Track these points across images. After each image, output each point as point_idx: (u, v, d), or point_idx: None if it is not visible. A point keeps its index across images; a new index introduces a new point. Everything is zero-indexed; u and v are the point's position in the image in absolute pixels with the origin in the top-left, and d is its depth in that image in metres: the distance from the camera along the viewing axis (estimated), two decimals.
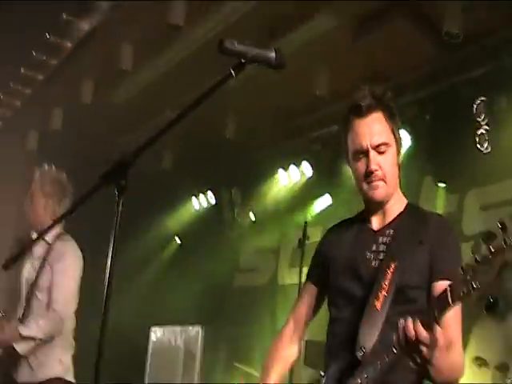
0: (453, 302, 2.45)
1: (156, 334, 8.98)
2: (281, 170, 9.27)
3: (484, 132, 6.77)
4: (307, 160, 8.85)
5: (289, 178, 9.24)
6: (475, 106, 6.81)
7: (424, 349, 2.52)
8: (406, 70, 7.54)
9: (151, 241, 10.81)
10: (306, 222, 6.66)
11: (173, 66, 8.16)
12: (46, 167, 5.25)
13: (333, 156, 7.92)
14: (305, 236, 6.60)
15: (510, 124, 6.60)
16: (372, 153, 3.01)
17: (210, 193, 10.52)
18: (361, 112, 3.04)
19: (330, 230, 3.37)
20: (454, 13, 6.38)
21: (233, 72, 2.60)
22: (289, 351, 3.33)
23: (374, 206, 3.12)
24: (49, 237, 5.12)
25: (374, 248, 3.05)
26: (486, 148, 6.74)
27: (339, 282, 3.12)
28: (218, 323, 9.25)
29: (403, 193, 3.18)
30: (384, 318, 2.85)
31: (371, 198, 3.07)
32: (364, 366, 2.79)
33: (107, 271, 2.46)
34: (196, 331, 8.30)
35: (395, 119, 3.09)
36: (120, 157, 2.56)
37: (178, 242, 11.15)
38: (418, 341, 2.51)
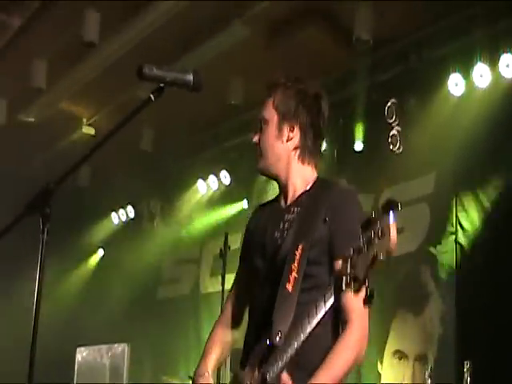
0: (336, 293, 2.61)
1: (82, 353, 8.86)
2: (200, 180, 9.30)
3: (396, 133, 6.95)
4: (225, 169, 8.92)
5: (208, 188, 9.26)
6: (386, 108, 6.99)
7: None
8: (318, 75, 7.67)
9: (70, 260, 10.63)
10: (226, 233, 6.73)
11: (88, 81, 8.13)
12: None
13: (250, 163, 8.00)
14: (226, 246, 6.66)
15: (420, 124, 6.80)
16: (258, 128, 3.23)
17: (129, 207, 10.43)
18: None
19: (255, 210, 3.48)
20: (364, 19, 6.55)
21: (152, 96, 2.68)
22: (227, 336, 3.36)
23: (278, 183, 3.25)
24: None
25: (280, 226, 3.14)
26: (398, 148, 6.92)
27: (252, 262, 3.23)
28: (143, 337, 9.20)
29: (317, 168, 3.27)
30: (296, 300, 2.91)
31: (256, 169, 3.28)
32: (281, 351, 2.84)
33: (35, 298, 2.49)
34: (122, 349, 8.24)
35: (285, 100, 3.19)
36: (44, 185, 2.60)
37: (98, 259, 11.01)
38: None
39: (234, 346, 3.38)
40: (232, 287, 3.46)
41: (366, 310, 2.93)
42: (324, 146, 7.58)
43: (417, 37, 6.83)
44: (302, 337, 2.79)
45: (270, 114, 3.20)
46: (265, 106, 3.24)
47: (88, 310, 9.93)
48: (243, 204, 8.76)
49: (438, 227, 6.61)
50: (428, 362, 6.25)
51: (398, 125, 6.92)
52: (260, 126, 3.22)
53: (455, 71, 6.49)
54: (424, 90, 6.77)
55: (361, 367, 6.87)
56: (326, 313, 2.78)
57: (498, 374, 5.45)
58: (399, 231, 6.33)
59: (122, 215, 10.53)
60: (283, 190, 3.24)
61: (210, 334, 3.40)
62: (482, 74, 6.34)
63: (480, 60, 6.32)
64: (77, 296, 9.91)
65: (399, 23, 6.68)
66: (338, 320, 2.99)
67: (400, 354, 6.63)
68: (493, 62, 6.28)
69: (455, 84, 6.51)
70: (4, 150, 9.05)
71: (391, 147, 6.94)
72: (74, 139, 9.03)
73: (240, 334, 3.37)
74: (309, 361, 2.90)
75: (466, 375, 4.58)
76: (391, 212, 2.28)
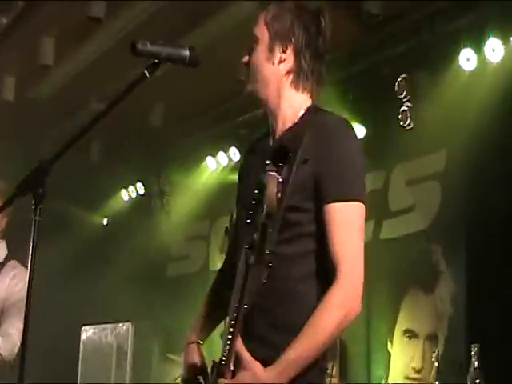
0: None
1: (87, 332, 8.81)
2: (209, 157, 9.24)
3: (406, 109, 6.85)
4: (235, 145, 8.84)
5: (217, 164, 9.21)
6: (397, 83, 6.88)
7: None
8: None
9: (79, 236, 10.59)
10: (231, 212, 6.67)
11: (95, 58, 8.07)
12: None
13: None
14: (231, 223, 6.60)
15: (431, 99, 6.68)
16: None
17: (139, 184, 10.35)
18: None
19: (248, 148, 3.10)
20: None
21: (147, 72, 2.61)
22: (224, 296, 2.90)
23: (268, 113, 2.86)
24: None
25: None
26: (409, 124, 6.83)
27: (238, 213, 2.93)
28: (153, 314, 9.18)
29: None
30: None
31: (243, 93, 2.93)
32: (256, 312, 2.51)
33: (27, 283, 2.43)
34: (126, 328, 8.20)
35: (278, 15, 2.80)
36: (37, 164, 2.54)
37: (108, 234, 10.97)
38: None
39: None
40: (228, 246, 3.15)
41: (361, 257, 2.55)
42: None
43: (428, 11, 6.69)
44: (281, 294, 2.53)
45: (261, 32, 2.82)
46: (257, 22, 2.85)
47: (95, 287, 9.89)
48: None
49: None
50: (438, 342, 6.20)
51: (408, 101, 6.82)
52: (250, 44, 2.86)
53: (467, 46, 6.37)
54: (435, 65, 6.64)
55: (371, 347, 6.86)
56: (306, 263, 2.54)
57: (508, 358, 5.38)
58: (410, 209, 6.24)
59: (132, 192, 10.49)
60: (272, 122, 2.83)
61: (205, 300, 3.11)
62: (494, 49, 6.22)
63: (492, 35, 6.21)
64: (83, 272, 9.85)
65: None
66: (327, 272, 2.56)
67: (410, 333, 6.59)
68: (505, 37, 6.16)
69: (467, 59, 6.39)
70: (11, 127, 9.01)
71: (401, 123, 6.85)
72: (82, 116, 8.97)
73: None
74: (289, 321, 2.56)
75: (473, 358, 4.51)
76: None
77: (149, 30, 6.96)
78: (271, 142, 2.81)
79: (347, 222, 2.53)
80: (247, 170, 2.95)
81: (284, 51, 2.77)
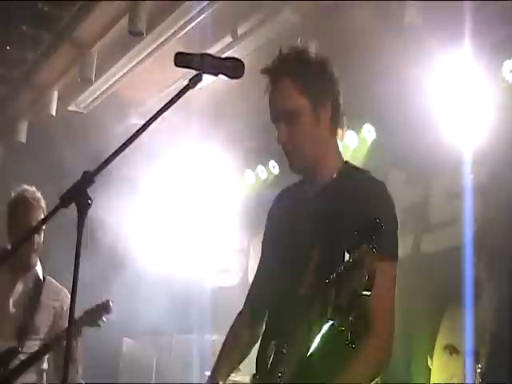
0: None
1: (127, 344, 8.80)
2: (248, 170, 9.24)
3: None
4: (274, 159, 8.82)
5: (256, 178, 9.22)
6: None
7: None
8: (368, 63, 7.52)
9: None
10: None
11: (137, 71, 8.13)
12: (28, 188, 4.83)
13: None
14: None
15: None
16: (282, 123, 2.83)
17: None
18: (269, 76, 2.89)
19: (278, 195, 3.17)
20: (416, 3, 6.41)
21: (190, 84, 2.61)
22: (249, 334, 3.11)
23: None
24: (40, 271, 4.82)
25: (303, 217, 2.86)
26: None
27: (271, 255, 3.04)
28: (193, 329, 9.17)
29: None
30: (308, 305, 2.47)
31: (291, 169, 2.93)
32: (287, 362, 2.57)
33: (71, 294, 2.43)
34: (168, 340, 8.18)
35: (311, 84, 2.80)
36: (81, 176, 2.55)
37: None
38: None
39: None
40: (252, 283, 3.18)
41: (393, 310, 2.71)
42: (374, 135, 7.45)
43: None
44: (312, 345, 2.41)
45: (298, 103, 2.79)
46: (284, 95, 2.80)
47: (133, 300, 9.87)
48: None
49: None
50: (480, 358, 6.10)
51: None
52: (286, 120, 2.81)
53: (510, 57, 6.31)
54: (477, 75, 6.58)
55: (411, 363, 6.77)
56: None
57: None
58: (451, 222, 6.07)
59: None
60: (308, 177, 2.95)
61: (229, 333, 3.14)
62: None
63: None
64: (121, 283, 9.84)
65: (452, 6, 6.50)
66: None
67: (451, 349, 6.49)
68: None
69: (510, 70, 6.33)
70: (55, 140, 9.10)
71: None
72: (123, 129, 9.03)
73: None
74: (319, 368, 2.60)
75: None
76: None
77: (187, 43, 7.02)
78: (309, 192, 2.90)
79: (385, 281, 2.63)
80: (279, 218, 3.06)
81: (324, 106, 2.82)
